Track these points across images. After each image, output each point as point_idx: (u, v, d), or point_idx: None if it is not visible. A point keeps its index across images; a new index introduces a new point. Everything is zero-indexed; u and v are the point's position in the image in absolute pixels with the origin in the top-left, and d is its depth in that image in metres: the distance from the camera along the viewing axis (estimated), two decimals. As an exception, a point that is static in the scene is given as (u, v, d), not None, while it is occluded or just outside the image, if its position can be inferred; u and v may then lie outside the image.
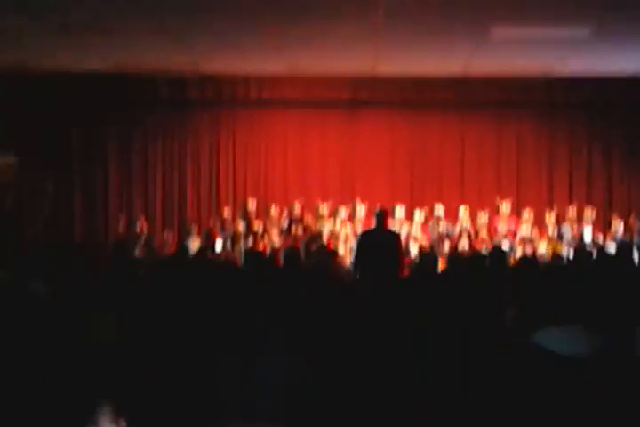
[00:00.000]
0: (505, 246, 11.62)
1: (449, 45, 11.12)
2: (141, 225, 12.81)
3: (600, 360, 3.20)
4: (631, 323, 4.74)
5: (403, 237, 11.03)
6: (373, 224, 9.27)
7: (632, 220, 12.81)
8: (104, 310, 5.54)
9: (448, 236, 12.46)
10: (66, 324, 5.26)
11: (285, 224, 12.85)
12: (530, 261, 7.59)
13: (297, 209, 13.12)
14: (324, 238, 12.18)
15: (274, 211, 13.20)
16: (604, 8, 9.18)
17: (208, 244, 12.16)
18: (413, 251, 11.89)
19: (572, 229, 12.67)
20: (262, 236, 12.56)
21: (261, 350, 5.27)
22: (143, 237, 12.44)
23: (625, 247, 9.18)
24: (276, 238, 12.45)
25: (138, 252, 11.58)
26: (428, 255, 9.41)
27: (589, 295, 6.13)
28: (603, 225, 13.11)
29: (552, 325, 3.92)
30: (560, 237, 12.56)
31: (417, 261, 9.59)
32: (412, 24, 10.05)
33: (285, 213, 13.15)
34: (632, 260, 8.59)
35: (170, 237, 12.76)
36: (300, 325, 5.77)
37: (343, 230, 12.47)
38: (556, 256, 9.09)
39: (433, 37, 10.75)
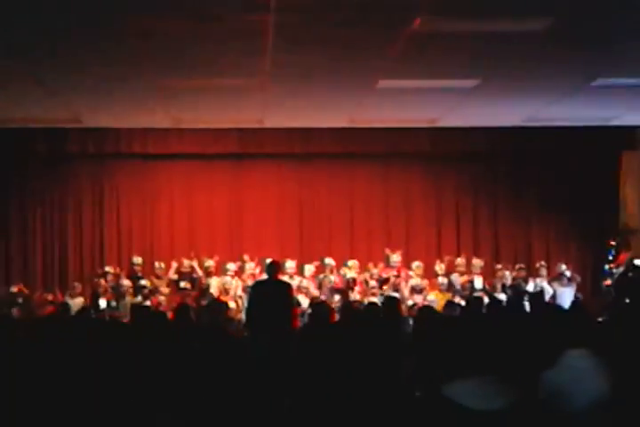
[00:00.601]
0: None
1: (336, 97, 11.13)
2: (19, 286, 12.24)
3: (518, 413, 3.05)
4: (535, 370, 4.67)
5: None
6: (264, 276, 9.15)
7: (517, 269, 12.97)
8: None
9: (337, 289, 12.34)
10: None
11: (174, 279, 12.51)
12: (427, 309, 7.53)
13: (186, 264, 12.80)
14: (214, 293, 11.90)
15: (161, 267, 12.84)
16: (488, 63, 9.38)
17: (92, 302, 11.69)
18: (304, 303, 11.72)
19: (461, 278, 12.75)
20: (150, 292, 12.18)
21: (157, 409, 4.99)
22: (20, 298, 11.87)
23: (516, 293, 9.25)
24: (164, 295, 12.09)
25: (15, 312, 11.01)
26: (320, 306, 9.29)
27: (492, 344, 6.06)
28: (489, 275, 13.22)
29: (458, 376, 3.73)
30: (450, 286, 12.60)
31: (309, 311, 9.44)
32: (298, 78, 10.04)
33: (173, 269, 12.82)
34: (522, 305, 8.62)
35: (50, 296, 12.21)
36: (195, 382, 5.55)
37: (233, 285, 12.21)
38: (450, 304, 9.06)
39: (320, 90, 10.75)
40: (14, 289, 12.20)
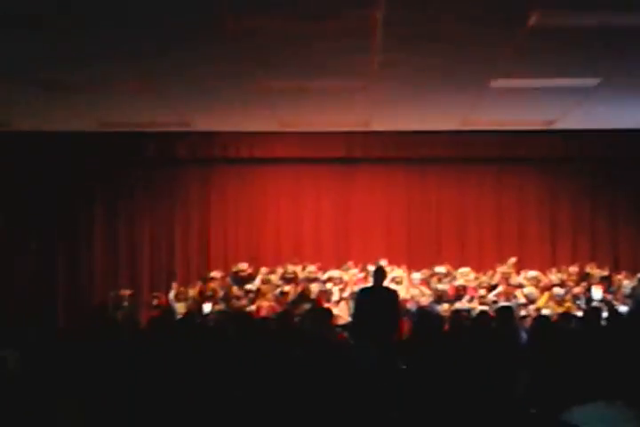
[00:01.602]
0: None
1: (447, 98, 10.78)
2: (126, 290, 12.28)
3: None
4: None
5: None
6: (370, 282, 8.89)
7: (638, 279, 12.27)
8: (69, 394, 5.11)
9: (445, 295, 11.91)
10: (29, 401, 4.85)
11: (280, 286, 12.31)
12: (544, 320, 7.09)
13: (289, 270, 12.59)
14: (314, 296, 11.66)
15: (266, 272, 12.68)
16: (610, 61, 8.86)
17: (196, 307, 11.60)
18: (412, 310, 11.35)
19: (576, 289, 12.13)
20: (256, 297, 12.02)
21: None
22: (126, 302, 11.88)
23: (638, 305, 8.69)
24: (268, 300, 11.91)
25: (120, 316, 11.01)
26: (429, 316, 8.95)
27: (615, 361, 5.61)
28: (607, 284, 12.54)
29: (579, 397, 3.33)
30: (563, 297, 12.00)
31: (418, 320, 9.09)
32: (407, 78, 9.74)
33: (279, 275, 12.63)
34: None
35: (156, 301, 12.18)
36: (296, 392, 5.36)
37: (334, 291, 11.95)
38: (565, 315, 8.56)
39: (430, 90, 10.42)
40: (123, 293, 12.23)
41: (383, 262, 11.82)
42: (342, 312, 11.03)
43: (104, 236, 13.75)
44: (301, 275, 12.42)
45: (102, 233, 13.76)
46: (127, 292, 12.27)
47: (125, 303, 11.81)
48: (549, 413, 4.10)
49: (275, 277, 12.43)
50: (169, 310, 10.68)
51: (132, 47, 8.43)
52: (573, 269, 12.57)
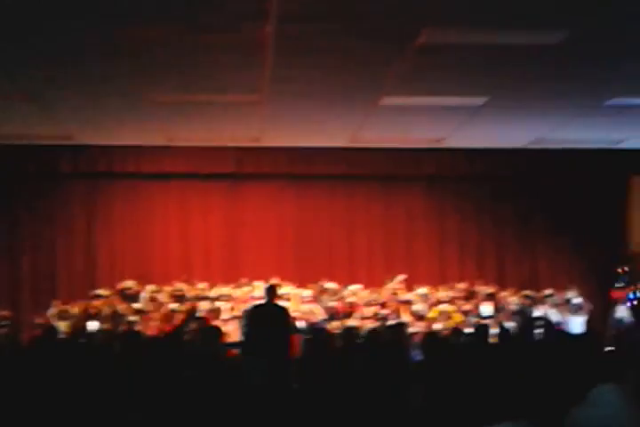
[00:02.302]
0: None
1: (337, 115, 10.79)
2: (4, 310, 11.81)
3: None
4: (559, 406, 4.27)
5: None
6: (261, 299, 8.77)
7: (523, 296, 12.52)
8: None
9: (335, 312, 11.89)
10: None
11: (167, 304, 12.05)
12: (433, 336, 7.11)
13: (178, 288, 12.35)
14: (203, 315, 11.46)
15: (153, 290, 12.39)
16: (497, 80, 9.01)
17: (80, 325, 11.23)
18: (301, 327, 11.28)
19: (465, 306, 12.28)
20: (143, 317, 11.74)
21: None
22: (5, 321, 11.43)
23: (525, 321, 8.84)
24: (156, 319, 11.65)
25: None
26: (320, 332, 8.90)
27: (508, 377, 5.66)
28: (494, 299, 12.73)
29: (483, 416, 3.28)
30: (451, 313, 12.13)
31: (308, 337, 9.02)
32: (298, 94, 9.70)
33: (168, 293, 12.38)
34: (532, 334, 8.19)
35: (38, 319, 11.74)
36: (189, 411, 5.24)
37: (224, 308, 11.77)
38: (456, 331, 8.62)
39: (320, 107, 10.40)
40: (1, 313, 11.75)
41: (274, 281, 11.72)
42: (233, 330, 10.85)
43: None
44: (190, 293, 12.21)
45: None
46: (5, 312, 11.82)
47: (4, 323, 11.36)
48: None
49: (162, 296, 12.17)
50: (51, 328, 10.27)
51: (15, 59, 8.14)
52: (461, 286, 12.74)
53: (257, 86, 9.20)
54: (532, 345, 7.19)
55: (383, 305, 12.14)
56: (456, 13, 6.87)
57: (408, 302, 12.10)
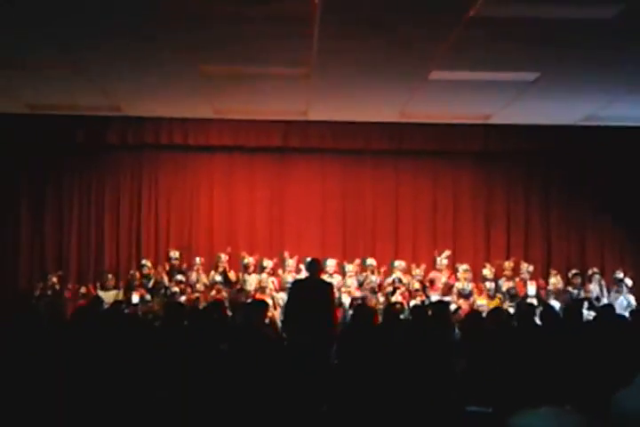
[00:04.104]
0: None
1: (385, 89, 10.65)
2: (53, 277, 11.94)
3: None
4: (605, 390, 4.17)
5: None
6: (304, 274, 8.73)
7: (571, 275, 12.35)
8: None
9: (378, 289, 11.85)
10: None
11: (215, 277, 12.11)
12: (475, 317, 7.02)
13: (223, 261, 12.39)
14: (250, 292, 11.51)
15: (199, 262, 12.47)
16: (549, 55, 8.82)
17: (126, 296, 11.33)
18: (345, 302, 11.27)
19: (509, 283, 12.16)
20: (186, 287, 11.82)
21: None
22: (51, 290, 11.55)
23: (572, 301, 8.69)
24: (199, 291, 11.72)
25: (44, 304, 10.68)
26: (362, 307, 8.85)
27: (552, 360, 5.56)
28: (540, 279, 12.58)
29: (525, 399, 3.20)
30: (497, 291, 12.03)
31: (351, 314, 8.99)
32: (345, 67, 9.59)
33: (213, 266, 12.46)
34: (580, 315, 8.05)
35: (84, 289, 11.87)
36: (228, 386, 5.22)
37: (269, 284, 11.79)
38: (497, 311, 8.50)
39: (368, 82, 10.28)
40: (49, 279, 11.89)
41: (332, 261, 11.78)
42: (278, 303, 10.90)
43: (31, 221, 13.30)
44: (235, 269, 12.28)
45: (29, 218, 13.30)
46: (55, 276, 11.96)
47: (50, 292, 11.50)
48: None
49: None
50: (96, 299, 10.38)
51: (64, 29, 8.15)
52: (507, 264, 12.59)
53: (304, 59, 9.12)
54: (578, 326, 7.07)
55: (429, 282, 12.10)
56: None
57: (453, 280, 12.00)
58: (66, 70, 9.86)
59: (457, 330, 8.24)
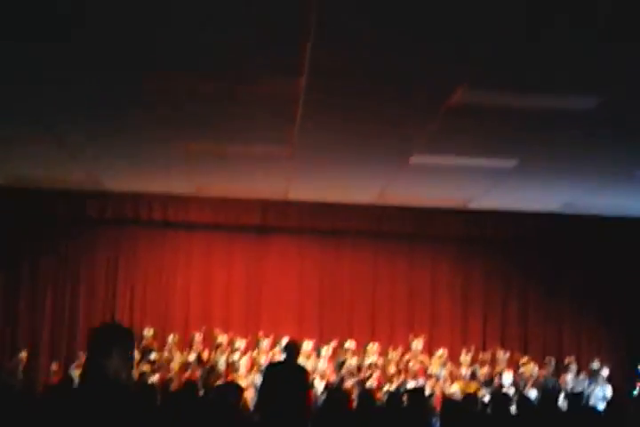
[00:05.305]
0: (415, 384, 10.99)
1: (366, 171, 10.76)
2: (23, 352, 11.72)
3: None
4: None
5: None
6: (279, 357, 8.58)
7: (546, 362, 12.27)
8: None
9: (355, 371, 11.69)
10: None
11: (189, 357, 11.92)
12: (452, 404, 6.92)
13: (197, 340, 12.24)
14: (222, 371, 11.31)
15: (174, 340, 12.30)
16: (528, 143, 8.96)
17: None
18: (319, 387, 11.10)
19: (483, 370, 12.04)
20: (159, 367, 11.61)
21: None
22: (21, 367, 11.33)
23: (550, 394, 8.59)
24: (173, 371, 11.52)
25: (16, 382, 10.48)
26: (336, 392, 8.70)
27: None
28: (516, 365, 12.49)
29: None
30: (473, 377, 11.91)
31: (325, 398, 8.83)
32: (327, 148, 9.70)
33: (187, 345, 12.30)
34: (556, 406, 7.96)
35: (55, 366, 11.64)
36: None
37: (242, 363, 11.63)
38: (470, 398, 8.39)
39: (348, 165, 10.40)
40: (19, 356, 11.66)
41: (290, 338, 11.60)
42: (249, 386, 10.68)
43: (4, 295, 13.13)
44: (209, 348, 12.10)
45: (1, 292, 13.14)
46: (24, 354, 11.73)
47: (20, 367, 11.28)
48: None
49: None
50: (67, 377, 10.17)
51: (46, 106, 8.23)
52: (483, 356, 12.50)
53: (286, 139, 9.21)
54: (554, 418, 6.97)
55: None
56: (488, 76, 6.86)
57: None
58: (46, 146, 9.89)
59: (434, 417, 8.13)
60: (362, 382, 11.23)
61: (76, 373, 11.17)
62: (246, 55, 6.54)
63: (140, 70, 6.98)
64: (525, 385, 11.55)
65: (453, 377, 11.86)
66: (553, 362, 12.25)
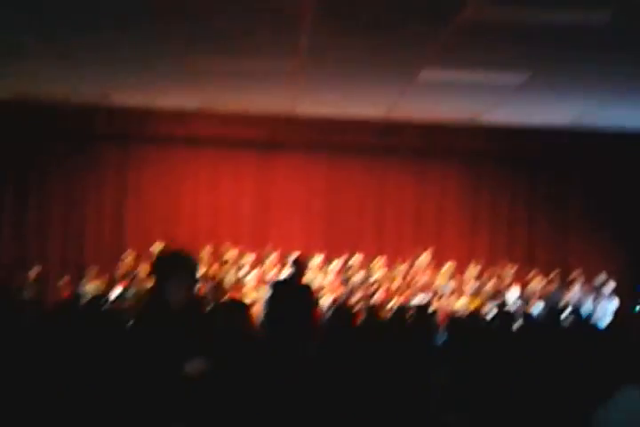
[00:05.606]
0: (421, 299, 11.07)
1: (374, 86, 10.61)
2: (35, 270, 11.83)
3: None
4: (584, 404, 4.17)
5: (315, 287, 10.32)
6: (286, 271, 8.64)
7: (554, 276, 12.34)
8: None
9: (361, 286, 11.78)
10: None
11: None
12: (458, 322, 6.98)
13: (205, 255, 12.32)
14: (230, 286, 11.40)
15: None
16: (538, 57, 8.78)
17: (107, 289, 11.22)
18: (326, 302, 11.19)
19: (492, 285, 12.11)
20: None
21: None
22: (32, 282, 11.43)
23: (554, 309, 8.64)
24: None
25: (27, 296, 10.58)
26: (341, 309, 8.77)
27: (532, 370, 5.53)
28: (523, 280, 12.57)
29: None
30: (479, 292, 11.99)
31: (330, 314, 8.92)
32: (335, 64, 9.53)
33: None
34: (559, 322, 8.01)
35: (66, 280, 11.74)
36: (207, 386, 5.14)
37: (250, 278, 11.73)
38: (475, 314, 8.48)
39: (357, 79, 10.24)
40: (31, 271, 11.77)
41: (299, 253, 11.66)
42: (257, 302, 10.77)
43: (14, 208, 13.18)
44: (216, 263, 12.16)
45: (12, 205, 13.18)
46: (35, 270, 11.83)
47: (31, 284, 11.37)
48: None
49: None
50: (76, 294, 10.28)
51: (54, 20, 8.08)
52: (492, 270, 12.55)
53: (294, 54, 9.06)
54: (557, 335, 7.03)
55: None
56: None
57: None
58: (54, 60, 9.76)
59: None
60: (367, 298, 11.32)
61: (84, 288, 11.31)
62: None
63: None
64: (531, 300, 11.63)
65: (459, 292, 11.94)
66: (559, 277, 12.32)
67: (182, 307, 4.24)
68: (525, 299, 11.69)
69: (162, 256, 4.58)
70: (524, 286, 12.18)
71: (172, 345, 4.20)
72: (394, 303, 11.03)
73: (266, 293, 9.19)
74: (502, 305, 10.99)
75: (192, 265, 4.33)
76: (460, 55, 8.90)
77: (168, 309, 4.24)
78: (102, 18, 7.97)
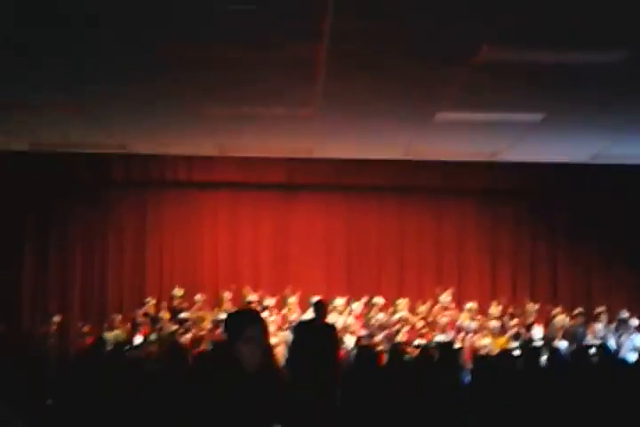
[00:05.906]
0: (444, 338, 11.01)
1: (390, 129, 10.67)
2: (56, 317, 11.87)
3: None
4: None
5: (338, 329, 10.30)
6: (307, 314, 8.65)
7: (575, 314, 12.24)
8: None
9: (384, 326, 11.72)
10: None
11: (218, 315, 12.00)
12: (485, 360, 6.95)
13: (227, 299, 12.33)
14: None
15: (201, 300, 12.39)
16: (553, 97, 8.85)
17: (130, 337, 11.22)
18: (349, 343, 11.15)
19: (513, 322, 12.02)
20: (191, 327, 11.70)
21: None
22: (54, 332, 11.46)
23: (581, 346, 8.59)
24: (205, 329, 11.60)
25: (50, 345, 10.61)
26: (366, 349, 8.75)
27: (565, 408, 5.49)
28: (546, 317, 12.48)
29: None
30: (503, 330, 11.90)
31: (354, 354, 8.89)
32: (351, 108, 9.62)
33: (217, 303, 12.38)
34: (586, 359, 7.96)
35: (87, 328, 11.76)
36: None
37: (272, 320, 11.70)
38: (504, 354, 8.42)
39: (373, 121, 10.31)
40: (52, 321, 11.80)
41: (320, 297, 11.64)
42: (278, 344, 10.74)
43: (35, 261, 13.28)
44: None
45: (33, 258, 13.29)
46: (57, 318, 11.87)
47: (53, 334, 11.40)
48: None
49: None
50: (100, 339, 10.28)
51: (73, 73, 8.23)
52: (511, 309, 12.46)
53: (310, 101, 9.15)
54: (586, 371, 6.98)
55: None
56: (514, 32, 6.76)
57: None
58: (73, 111, 9.89)
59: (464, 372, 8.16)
60: (391, 337, 11.27)
61: (108, 334, 11.32)
62: (269, 21, 6.47)
63: (168, 38, 6.97)
64: (555, 337, 11.53)
65: (482, 331, 11.85)
66: (582, 312, 12.22)
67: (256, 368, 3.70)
68: (550, 336, 11.59)
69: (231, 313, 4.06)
70: (547, 324, 12.08)
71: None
72: (417, 343, 10.98)
73: (289, 335, 9.19)
74: (527, 343, 10.91)
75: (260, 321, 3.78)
76: (475, 96, 8.94)
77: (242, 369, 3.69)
78: (117, 69, 8.10)
